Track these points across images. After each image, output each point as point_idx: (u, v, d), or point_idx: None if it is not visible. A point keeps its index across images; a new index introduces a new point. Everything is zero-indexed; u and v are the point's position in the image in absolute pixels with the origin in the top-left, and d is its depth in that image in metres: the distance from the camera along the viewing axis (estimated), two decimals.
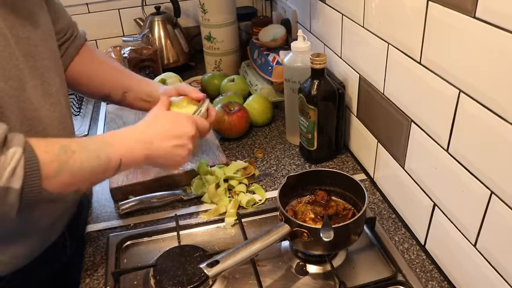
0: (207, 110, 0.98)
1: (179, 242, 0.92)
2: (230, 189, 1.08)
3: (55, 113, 0.83)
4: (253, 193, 1.06)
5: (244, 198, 1.02)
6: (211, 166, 1.12)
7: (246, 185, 1.08)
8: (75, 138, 0.83)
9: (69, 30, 0.98)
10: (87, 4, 1.80)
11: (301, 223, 0.81)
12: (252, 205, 1.02)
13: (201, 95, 1.00)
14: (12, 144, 0.64)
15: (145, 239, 0.96)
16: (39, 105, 0.78)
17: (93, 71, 1.01)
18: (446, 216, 0.80)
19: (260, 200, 1.04)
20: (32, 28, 0.79)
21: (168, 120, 0.88)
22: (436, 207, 0.83)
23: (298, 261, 0.88)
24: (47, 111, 0.80)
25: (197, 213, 1.02)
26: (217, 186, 1.06)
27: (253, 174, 1.12)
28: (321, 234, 0.77)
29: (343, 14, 1.09)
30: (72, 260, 0.98)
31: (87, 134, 1.39)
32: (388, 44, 0.89)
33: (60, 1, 0.97)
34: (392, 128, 0.94)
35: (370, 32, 0.96)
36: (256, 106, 1.33)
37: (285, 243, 0.92)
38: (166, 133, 0.85)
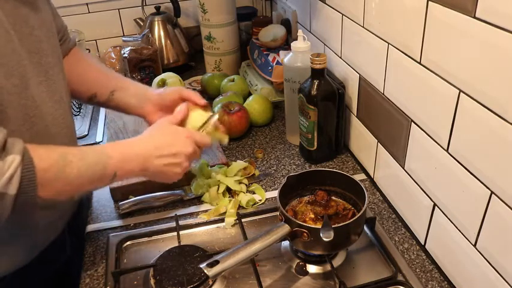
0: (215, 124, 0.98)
1: (179, 242, 0.92)
2: (230, 189, 1.07)
3: (59, 110, 0.83)
4: (253, 193, 1.06)
5: (244, 198, 1.02)
6: (211, 166, 1.12)
7: (246, 185, 1.08)
8: (75, 147, 0.83)
9: (60, 33, 0.97)
10: (87, 4, 1.80)
11: (301, 223, 0.81)
12: (252, 205, 1.02)
13: (203, 101, 0.99)
14: (11, 151, 0.65)
15: (145, 239, 0.96)
16: (43, 102, 0.78)
17: (79, 72, 1.00)
18: (446, 216, 0.80)
19: (260, 200, 1.04)
20: (36, 24, 0.79)
21: (167, 137, 0.88)
22: (436, 207, 0.83)
23: (298, 261, 0.88)
24: (50, 108, 0.80)
25: (197, 213, 1.02)
26: (218, 187, 1.06)
27: (253, 174, 1.12)
28: (321, 234, 0.77)
29: (343, 14, 1.09)
30: (72, 260, 0.98)
31: (87, 134, 1.39)
32: (388, 44, 0.89)
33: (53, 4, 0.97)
34: (392, 128, 0.94)
35: (370, 32, 0.96)
36: (256, 106, 1.33)
37: (285, 243, 0.92)
38: (161, 151, 0.85)
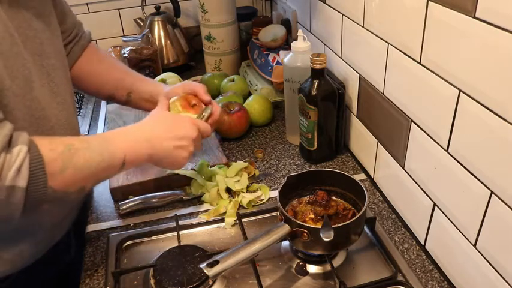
0: (210, 114, 0.97)
1: (179, 242, 0.92)
2: (230, 189, 1.07)
3: (63, 111, 0.83)
4: (255, 191, 1.06)
5: (244, 198, 1.02)
6: (211, 166, 1.12)
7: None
8: (79, 137, 0.84)
9: (74, 30, 0.98)
10: (87, 4, 1.80)
11: (301, 223, 0.81)
12: (253, 206, 1.02)
13: (208, 97, 0.99)
14: (17, 143, 0.64)
15: (145, 239, 0.96)
16: (47, 104, 0.79)
17: (97, 71, 1.02)
18: (446, 216, 0.80)
19: (261, 200, 1.04)
20: (39, 27, 0.79)
21: (172, 122, 0.89)
22: (436, 207, 0.83)
23: (298, 261, 0.88)
24: (54, 110, 0.81)
25: (197, 213, 1.02)
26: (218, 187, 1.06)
27: (253, 174, 1.12)
28: (321, 234, 0.77)
29: (343, 14, 1.09)
30: (75, 262, 0.98)
31: (87, 133, 1.39)
32: (388, 44, 0.89)
33: (66, 1, 0.97)
34: (393, 128, 0.94)
35: (370, 32, 0.96)
36: (256, 106, 1.33)
37: (285, 243, 0.92)
38: (169, 134, 0.85)
